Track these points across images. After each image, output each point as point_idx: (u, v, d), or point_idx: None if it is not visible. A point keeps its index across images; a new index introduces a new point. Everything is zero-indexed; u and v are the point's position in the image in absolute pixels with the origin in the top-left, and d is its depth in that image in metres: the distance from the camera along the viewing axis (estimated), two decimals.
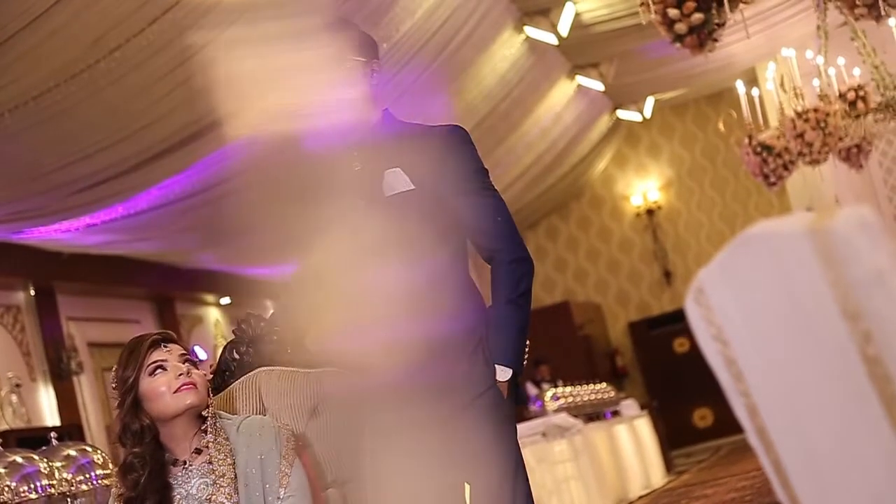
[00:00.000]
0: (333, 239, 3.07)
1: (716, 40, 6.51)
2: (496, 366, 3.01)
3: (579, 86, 12.99)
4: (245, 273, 13.31)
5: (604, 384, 12.13)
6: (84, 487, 4.16)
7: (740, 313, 1.42)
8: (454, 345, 3.01)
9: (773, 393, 1.41)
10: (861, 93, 8.46)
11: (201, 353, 11.73)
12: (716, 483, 9.46)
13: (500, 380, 3.02)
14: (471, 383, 3.00)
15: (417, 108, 7.67)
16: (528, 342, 3.12)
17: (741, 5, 6.51)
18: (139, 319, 12.18)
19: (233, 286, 13.60)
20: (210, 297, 13.80)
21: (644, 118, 15.63)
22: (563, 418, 8.93)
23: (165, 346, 2.88)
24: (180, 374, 2.83)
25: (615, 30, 11.31)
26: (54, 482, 4.07)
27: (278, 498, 2.82)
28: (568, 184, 15.85)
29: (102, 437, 10.60)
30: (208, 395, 2.90)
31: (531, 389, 11.88)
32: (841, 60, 8.61)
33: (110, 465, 4.29)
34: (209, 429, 2.85)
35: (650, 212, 16.20)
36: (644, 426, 11.65)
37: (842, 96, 8.42)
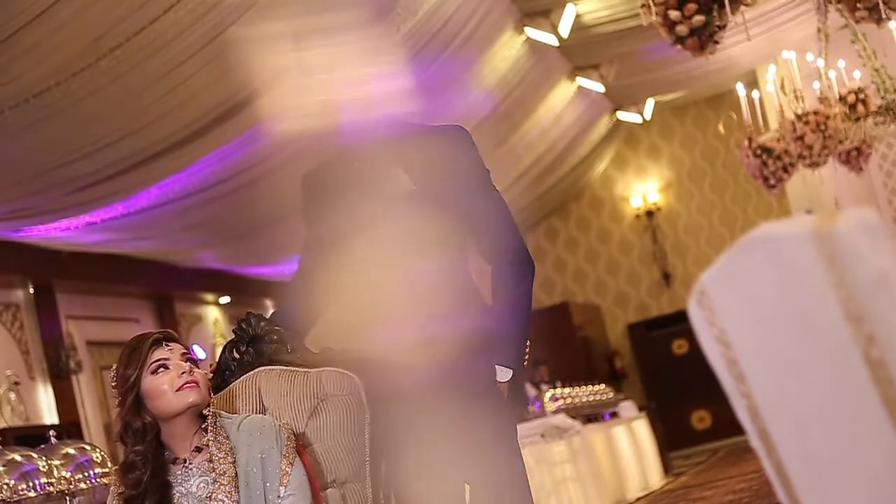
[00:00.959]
0: (350, 238, 3.07)
1: (717, 42, 6.52)
2: (496, 366, 3.02)
3: (580, 87, 13.00)
4: (244, 272, 13.31)
5: (602, 385, 12.13)
6: (83, 486, 4.16)
7: (743, 315, 1.42)
8: (455, 345, 3.01)
9: (776, 395, 1.41)
10: (861, 96, 8.46)
11: (200, 352, 11.73)
12: (714, 485, 9.46)
13: (501, 380, 3.02)
14: (471, 384, 3.00)
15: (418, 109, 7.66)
16: (528, 343, 3.12)
17: (742, 7, 6.51)
18: (138, 318, 12.18)
19: (232, 285, 13.61)
20: (209, 296, 13.80)
21: (644, 120, 15.64)
22: (562, 419, 8.93)
23: (167, 345, 2.89)
24: (183, 373, 2.84)
25: (616, 31, 11.32)
26: (53, 480, 4.07)
27: (278, 496, 2.82)
28: (568, 185, 15.85)
29: (101, 436, 10.60)
30: (209, 394, 2.91)
31: (530, 390, 11.88)
32: (841, 63, 8.61)
33: (109, 464, 4.30)
34: (209, 427, 2.86)
35: (650, 213, 16.20)
36: (642, 428, 11.65)
37: (842, 99, 8.42)
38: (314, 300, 3.27)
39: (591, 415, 10.60)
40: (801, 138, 8.22)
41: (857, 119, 8.42)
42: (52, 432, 4.40)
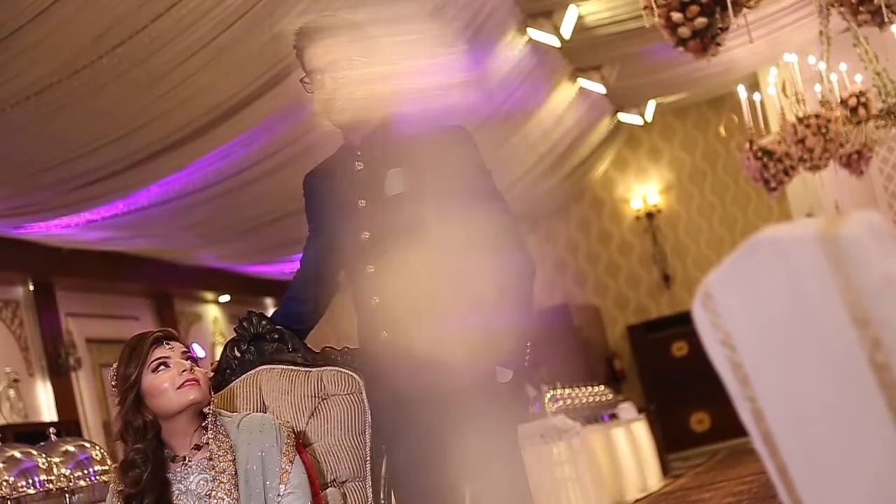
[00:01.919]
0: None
1: (719, 45, 6.52)
2: (497, 367, 3.01)
3: (581, 88, 12.99)
4: (244, 271, 13.32)
5: (602, 387, 12.13)
6: (82, 483, 4.16)
7: (748, 318, 1.42)
8: (457, 345, 3.01)
9: (780, 398, 1.41)
10: (862, 99, 8.45)
11: (199, 351, 11.73)
12: (712, 487, 9.46)
13: (501, 381, 3.02)
14: (473, 384, 3.00)
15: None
16: (529, 344, 3.11)
17: (744, 10, 6.52)
18: (138, 316, 12.18)
19: (232, 284, 13.61)
20: (209, 295, 13.80)
21: (645, 121, 15.63)
22: (562, 420, 8.93)
23: (168, 344, 2.89)
24: (183, 371, 2.84)
25: (618, 33, 11.32)
26: (52, 478, 4.07)
27: (278, 494, 2.82)
28: (569, 186, 15.84)
29: (100, 434, 10.60)
30: (210, 393, 2.91)
31: (530, 391, 11.88)
32: (843, 66, 8.61)
33: (108, 462, 4.30)
34: (209, 425, 2.86)
35: (650, 215, 16.19)
36: (641, 429, 11.65)
37: (843, 102, 8.42)
38: (325, 291, 3.28)
39: (590, 416, 10.60)
40: (802, 141, 8.21)
41: (859, 122, 8.41)
42: (51, 429, 4.41)
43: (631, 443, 10.84)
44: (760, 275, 1.39)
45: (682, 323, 14.41)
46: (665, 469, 12.21)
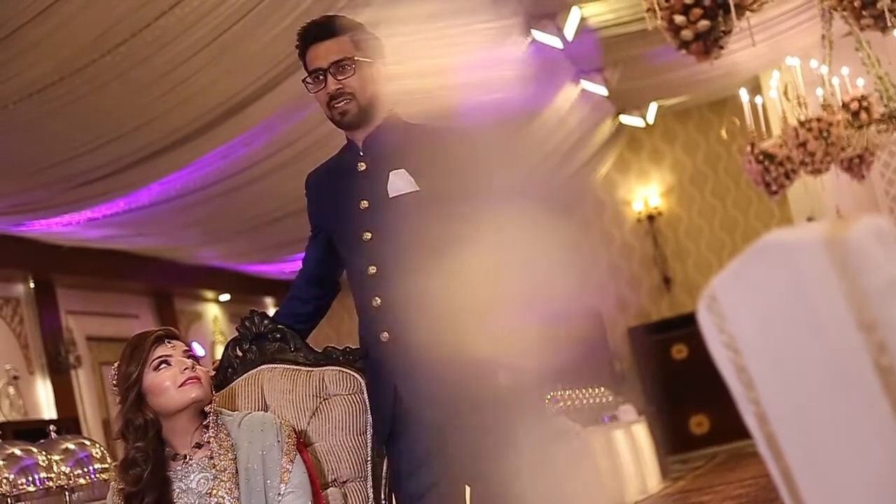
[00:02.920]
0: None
1: (721, 48, 6.51)
2: (500, 368, 3.01)
3: (583, 90, 12.99)
4: (245, 270, 13.31)
5: (602, 389, 12.12)
6: (82, 481, 4.17)
7: (753, 322, 1.42)
8: (458, 346, 3.01)
9: (784, 402, 1.41)
10: (864, 103, 8.45)
11: (199, 350, 11.72)
12: (712, 490, 9.46)
13: (504, 382, 3.02)
14: (474, 385, 3.00)
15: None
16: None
17: (747, 13, 6.51)
18: (138, 314, 12.18)
19: (232, 283, 13.61)
20: (209, 294, 13.81)
21: (647, 124, 15.62)
22: (562, 421, 8.93)
23: (169, 342, 2.89)
24: (185, 369, 2.84)
25: (620, 35, 11.31)
26: (52, 475, 4.07)
27: (279, 494, 2.82)
28: (570, 188, 15.82)
29: (99, 432, 10.60)
30: (211, 391, 2.91)
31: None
32: (845, 70, 8.61)
33: (108, 460, 4.30)
34: (210, 424, 2.86)
35: (651, 217, 16.19)
36: (641, 431, 11.64)
37: (845, 106, 8.41)
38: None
39: (590, 418, 10.59)
40: (803, 145, 8.21)
41: (860, 127, 8.41)
42: (52, 427, 4.41)
43: (630, 445, 10.84)
44: (766, 278, 1.39)
45: (682, 326, 14.41)
46: (664, 471, 12.20)
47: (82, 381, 10.87)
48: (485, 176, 3.14)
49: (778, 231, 1.41)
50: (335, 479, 3.13)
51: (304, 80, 3.15)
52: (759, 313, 1.41)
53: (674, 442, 14.34)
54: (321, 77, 3.09)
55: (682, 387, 14.59)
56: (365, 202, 3.10)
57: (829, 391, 1.37)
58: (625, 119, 15.16)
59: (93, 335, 11.31)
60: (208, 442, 2.85)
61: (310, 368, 3.22)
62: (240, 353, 3.29)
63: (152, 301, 12.58)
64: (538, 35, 10.97)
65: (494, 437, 3.03)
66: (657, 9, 6.22)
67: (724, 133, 9.52)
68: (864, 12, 6.78)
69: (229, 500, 2.79)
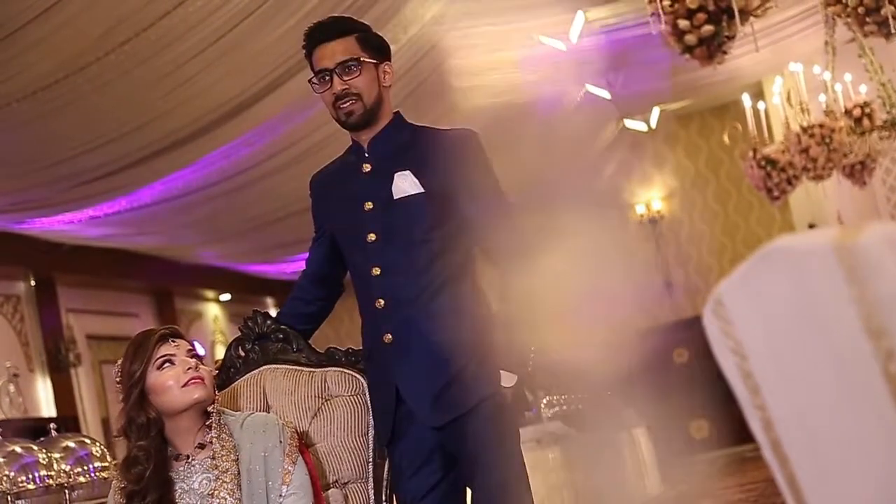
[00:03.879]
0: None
1: (725, 52, 6.52)
2: (501, 371, 3.01)
3: (586, 93, 12.97)
4: (246, 269, 13.31)
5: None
6: (82, 479, 4.16)
7: (760, 327, 1.42)
8: (460, 349, 3.01)
9: (791, 408, 1.41)
10: (867, 110, 8.45)
11: (199, 349, 11.73)
12: (712, 494, 9.45)
13: (506, 385, 3.02)
14: (475, 388, 3.00)
15: (423, 111, 7.68)
16: (532, 348, 3.12)
17: (751, 18, 6.51)
18: (138, 313, 12.18)
19: (233, 282, 13.61)
20: (210, 293, 13.80)
21: (650, 128, 15.61)
22: (558, 426, 8.92)
23: (174, 341, 2.89)
24: (188, 369, 2.84)
25: (624, 38, 11.29)
26: (52, 473, 4.07)
27: (280, 495, 2.82)
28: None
29: (98, 430, 10.59)
30: (214, 392, 2.91)
31: (528, 396, 11.86)
32: (848, 77, 8.61)
33: (108, 459, 4.30)
34: (213, 424, 2.85)
35: (653, 221, 16.18)
36: (640, 436, 11.63)
37: (847, 113, 8.42)
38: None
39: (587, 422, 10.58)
40: (805, 151, 8.22)
41: (862, 133, 8.42)
42: (52, 425, 4.41)
43: (631, 449, 10.82)
44: (774, 284, 1.39)
45: (682, 330, 14.40)
46: (664, 476, 12.19)
47: (82, 379, 10.87)
48: (490, 178, 3.15)
49: (787, 236, 1.41)
50: (336, 481, 3.13)
51: (310, 81, 3.15)
52: (767, 319, 1.41)
53: (674, 446, 14.33)
54: (327, 78, 3.09)
55: (682, 391, 14.57)
56: (370, 203, 3.10)
57: (836, 398, 1.37)
58: (628, 123, 15.16)
59: (93, 333, 11.31)
60: (211, 442, 2.85)
61: (312, 369, 3.22)
62: (242, 353, 3.29)
63: (153, 300, 12.58)
64: (541, 38, 10.95)
65: (495, 440, 3.03)
66: (661, 13, 6.23)
67: (726, 138, 9.52)
68: (867, 19, 6.78)
69: (231, 501, 2.79)
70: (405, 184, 3.07)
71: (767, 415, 1.41)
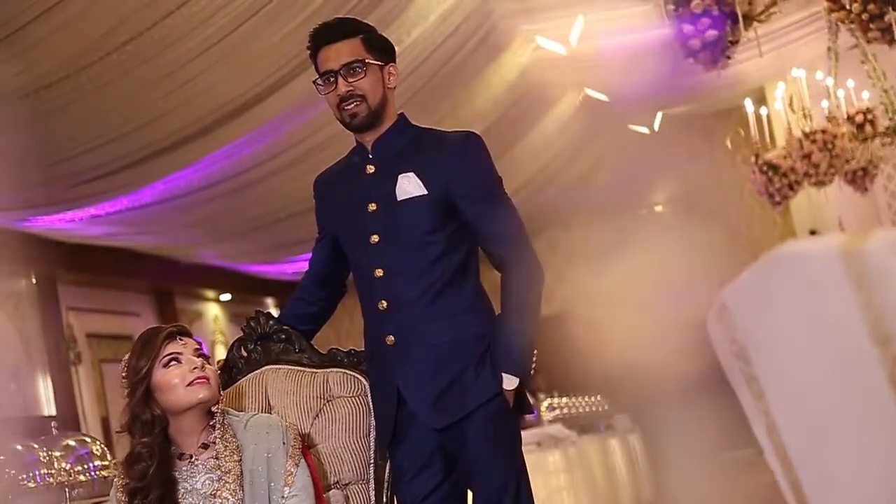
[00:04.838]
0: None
1: (729, 57, 6.53)
2: (503, 374, 3.01)
3: (587, 97, 12.97)
4: (246, 270, 13.31)
5: (598, 397, 12.11)
6: (82, 478, 4.16)
7: (765, 332, 1.42)
8: (461, 351, 3.01)
9: (795, 413, 1.41)
10: (869, 116, 8.46)
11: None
12: (709, 499, 9.44)
13: (507, 388, 3.02)
14: (476, 390, 3.00)
15: (424, 112, 7.69)
16: (535, 351, 3.12)
17: (755, 24, 6.53)
18: (139, 312, 12.18)
19: (234, 282, 13.61)
20: (210, 293, 13.80)
21: (652, 131, 15.60)
22: (558, 429, 8.94)
23: (181, 339, 2.89)
24: (194, 368, 2.84)
25: (624, 42, 11.29)
26: (53, 472, 4.06)
27: (282, 496, 2.82)
28: (571, 195, 15.80)
29: (98, 429, 10.59)
30: (219, 392, 2.90)
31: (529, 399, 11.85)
32: (850, 83, 8.62)
33: (109, 457, 4.29)
34: (217, 425, 2.85)
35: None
36: (637, 440, 11.64)
37: (850, 119, 8.42)
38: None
39: (586, 426, 10.59)
40: (807, 156, 8.22)
41: (865, 139, 8.42)
42: (53, 423, 4.41)
43: (626, 453, 10.83)
44: (780, 289, 1.39)
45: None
46: (660, 480, 12.18)
47: (82, 378, 10.86)
48: (492, 180, 3.15)
49: (793, 242, 1.41)
50: (337, 482, 3.13)
51: (314, 82, 3.15)
52: (772, 324, 1.41)
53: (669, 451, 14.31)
54: (332, 79, 3.09)
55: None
56: (373, 205, 3.10)
57: (841, 404, 1.37)
58: (630, 127, 15.14)
59: (93, 332, 11.31)
60: (214, 443, 2.85)
61: (314, 370, 3.22)
62: (244, 353, 3.29)
63: (153, 299, 12.57)
64: (542, 41, 10.96)
65: (496, 442, 3.03)
66: (666, 18, 6.25)
67: (728, 143, 9.52)
68: (871, 25, 6.80)
69: (233, 502, 2.79)
70: (409, 185, 3.07)
71: (772, 419, 1.41)
